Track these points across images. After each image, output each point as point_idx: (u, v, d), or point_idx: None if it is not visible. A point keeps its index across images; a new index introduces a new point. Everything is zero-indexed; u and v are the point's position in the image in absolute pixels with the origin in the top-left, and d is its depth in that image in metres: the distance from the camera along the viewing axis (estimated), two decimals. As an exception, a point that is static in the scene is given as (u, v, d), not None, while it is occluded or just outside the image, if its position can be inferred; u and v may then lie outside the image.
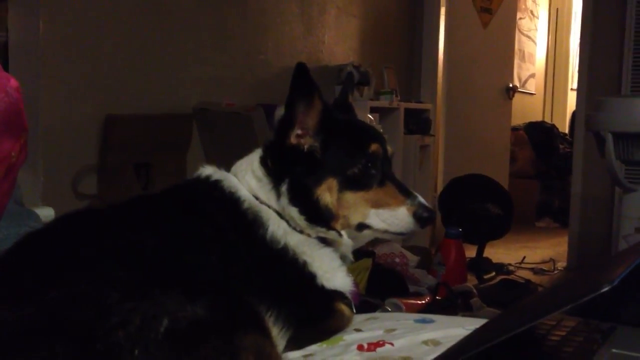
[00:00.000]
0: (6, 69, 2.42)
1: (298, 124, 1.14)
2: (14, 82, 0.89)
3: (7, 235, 1.02)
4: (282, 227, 1.11)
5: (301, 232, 1.13)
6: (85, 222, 1.01)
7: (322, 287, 1.11)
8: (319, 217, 1.12)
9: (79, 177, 2.62)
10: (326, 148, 1.13)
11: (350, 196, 1.12)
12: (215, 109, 3.12)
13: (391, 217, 1.13)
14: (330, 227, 1.13)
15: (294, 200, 1.11)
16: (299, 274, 1.09)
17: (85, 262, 0.87)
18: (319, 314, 1.11)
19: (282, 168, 1.14)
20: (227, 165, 1.20)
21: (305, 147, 1.13)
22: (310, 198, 1.11)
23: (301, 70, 1.10)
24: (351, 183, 1.12)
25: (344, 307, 1.15)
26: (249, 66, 3.50)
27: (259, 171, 1.15)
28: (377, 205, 1.13)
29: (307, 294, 1.11)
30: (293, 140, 1.14)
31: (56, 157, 2.56)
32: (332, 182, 1.11)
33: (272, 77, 3.63)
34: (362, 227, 1.15)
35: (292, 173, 1.12)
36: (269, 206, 1.13)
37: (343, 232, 1.15)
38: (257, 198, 1.13)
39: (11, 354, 0.72)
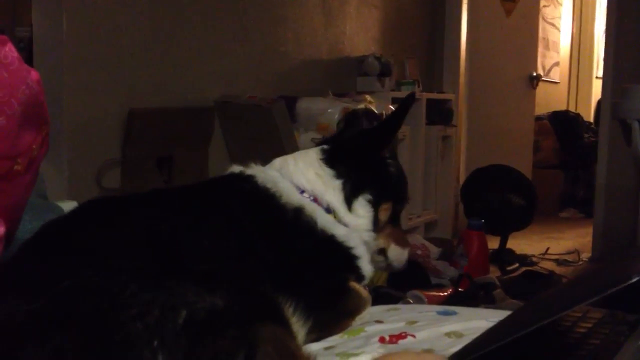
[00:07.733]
0: (30, 64, 2.45)
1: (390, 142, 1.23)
2: (34, 75, 0.89)
3: (30, 229, 1.02)
4: (330, 220, 1.15)
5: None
6: (104, 212, 1.00)
7: (360, 269, 1.16)
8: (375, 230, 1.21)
9: (103, 170, 2.64)
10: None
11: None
12: (236, 101, 3.13)
13: (400, 256, 1.26)
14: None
15: (370, 206, 1.18)
16: (345, 255, 1.14)
17: (101, 252, 0.86)
18: (337, 295, 1.14)
19: (361, 175, 1.19)
20: (254, 160, 1.21)
21: (390, 165, 1.22)
22: (376, 211, 1.19)
23: (412, 99, 1.22)
24: (395, 213, 1.24)
25: (360, 287, 1.19)
26: (269, 58, 3.50)
27: (321, 170, 1.18)
28: (395, 240, 1.25)
29: (337, 274, 1.14)
30: (386, 154, 1.22)
31: (80, 151, 2.58)
32: (388, 206, 1.21)
33: (293, 69, 3.63)
34: (381, 252, 1.24)
35: (371, 182, 1.19)
36: (318, 202, 1.15)
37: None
38: (302, 191, 1.15)
39: (22, 346, 0.71)
